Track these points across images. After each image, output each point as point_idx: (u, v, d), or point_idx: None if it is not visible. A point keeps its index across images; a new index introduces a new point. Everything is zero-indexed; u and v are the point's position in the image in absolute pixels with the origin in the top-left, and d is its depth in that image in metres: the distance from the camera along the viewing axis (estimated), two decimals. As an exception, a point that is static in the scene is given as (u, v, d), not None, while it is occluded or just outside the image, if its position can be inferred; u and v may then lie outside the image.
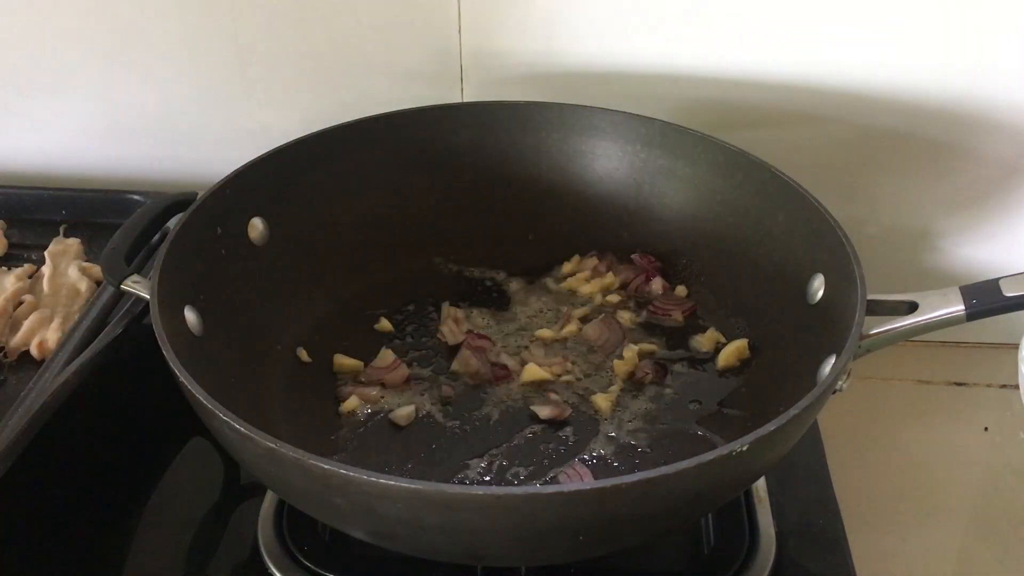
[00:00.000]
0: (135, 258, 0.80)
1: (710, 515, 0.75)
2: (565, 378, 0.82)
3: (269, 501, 0.76)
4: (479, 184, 0.93)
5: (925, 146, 0.92)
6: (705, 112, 0.93)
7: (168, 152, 1.03)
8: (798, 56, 0.89)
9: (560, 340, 0.86)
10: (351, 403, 0.79)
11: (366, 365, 0.83)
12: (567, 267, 0.92)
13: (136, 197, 0.98)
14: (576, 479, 0.72)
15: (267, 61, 0.97)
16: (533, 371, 0.81)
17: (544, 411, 0.78)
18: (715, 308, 0.87)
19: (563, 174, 0.92)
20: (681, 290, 0.89)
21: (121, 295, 0.77)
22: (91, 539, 0.76)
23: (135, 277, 0.75)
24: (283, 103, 0.99)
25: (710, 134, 0.86)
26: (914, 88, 0.89)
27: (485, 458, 0.75)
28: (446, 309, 0.88)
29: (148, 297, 0.70)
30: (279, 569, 0.71)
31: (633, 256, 0.91)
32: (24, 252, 0.95)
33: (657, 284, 0.89)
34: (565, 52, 0.93)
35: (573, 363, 0.83)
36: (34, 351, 0.83)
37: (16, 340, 0.84)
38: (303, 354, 0.84)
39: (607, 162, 0.91)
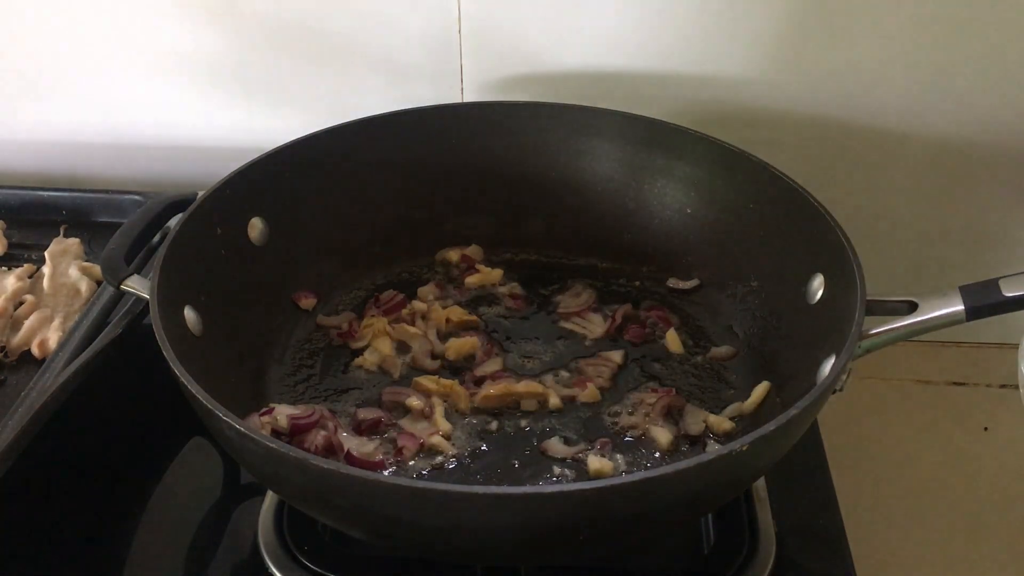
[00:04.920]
0: (135, 258, 0.80)
1: (710, 515, 0.75)
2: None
3: (269, 501, 0.76)
4: (479, 184, 0.93)
5: (925, 146, 0.92)
6: (705, 112, 0.93)
7: (168, 152, 1.03)
8: (798, 56, 0.90)
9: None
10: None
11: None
12: (573, 303, 0.89)
13: (136, 197, 0.98)
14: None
15: (267, 61, 0.97)
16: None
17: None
18: (715, 308, 0.88)
19: (563, 174, 0.92)
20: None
21: (121, 295, 0.77)
22: (91, 539, 0.76)
23: (135, 277, 0.75)
24: (283, 103, 0.99)
25: (710, 134, 0.86)
26: (914, 88, 0.89)
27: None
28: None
29: (148, 297, 0.70)
30: (279, 569, 0.71)
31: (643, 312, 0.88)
32: (24, 252, 0.95)
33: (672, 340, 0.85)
34: (565, 52, 0.93)
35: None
36: (35, 351, 0.83)
37: (17, 340, 0.84)
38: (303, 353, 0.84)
39: (607, 162, 0.91)
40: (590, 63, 0.93)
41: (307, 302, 0.87)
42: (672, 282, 0.90)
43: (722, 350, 0.84)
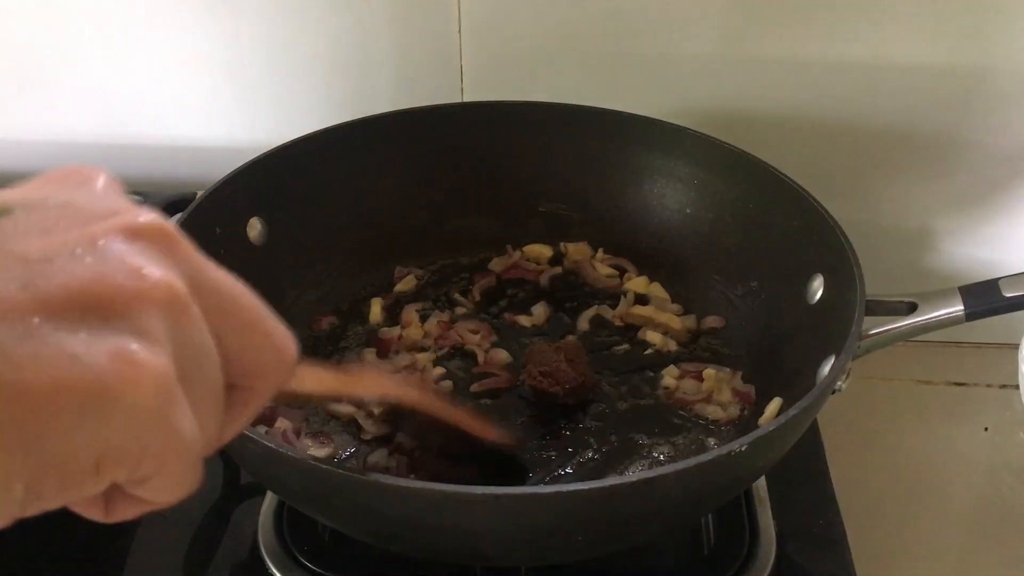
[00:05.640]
0: (134, 258, 0.80)
1: (710, 515, 0.75)
2: None
3: (269, 501, 0.76)
4: (479, 185, 0.93)
5: (925, 146, 0.92)
6: (705, 112, 0.93)
7: (168, 152, 1.03)
8: (798, 55, 0.89)
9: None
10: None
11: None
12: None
13: (136, 197, 0.97)
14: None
15: (267, 61, 0.97)
16: None
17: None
18: (714, 308, 0.87)
19: (563, 174, 0.92)
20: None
21: (121, 295, 0.77)
22: (91, 539, 0.76)
23: (134, 278, 0.75)
24: (283, 103, 0.99)
25: (710, 134, 0.86)
26: (914, 87, 0.89)
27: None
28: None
29: (147, 297, 0.70)
30: (279, 569, 0.71)
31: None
32: (24, 252, 0.95)
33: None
34: (565, 52, 0.93)
35: None
36: (34, 351, 0.83)
37: (16, 340, 0.83)
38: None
39: (606, 162, 0.91)
40: (590, 63, 0.93)
41: (307, 304, 0.87)
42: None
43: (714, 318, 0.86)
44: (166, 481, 0.33)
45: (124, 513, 0.35)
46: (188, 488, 0.34)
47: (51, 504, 0.30)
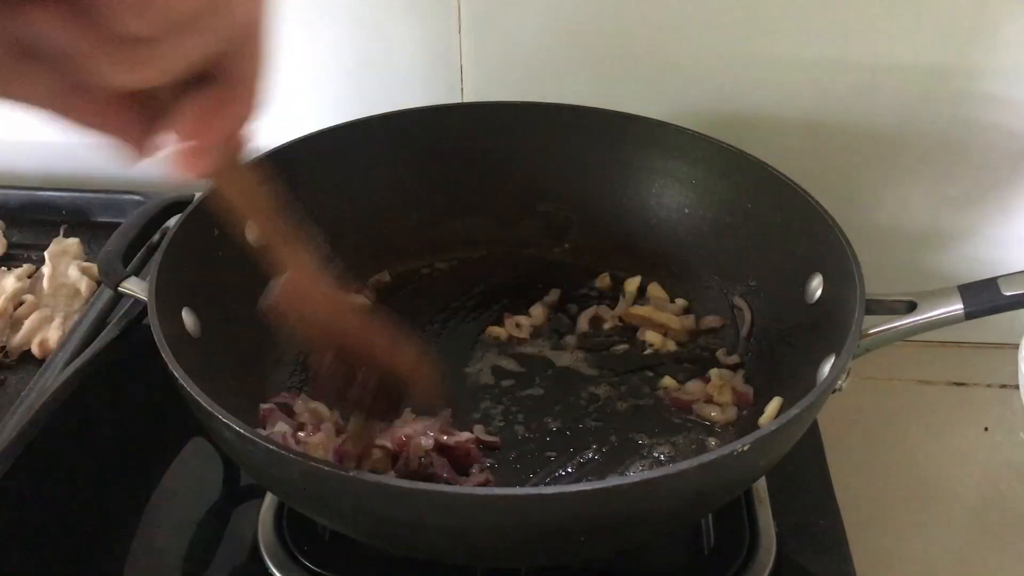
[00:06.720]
0: (133, 258, 0.80)
1: (710, 515, 0.75)
2: None
3: (269, 501, 0.76)
4: (479, 184, 0.93)
5: (925, 146, 0.92)
6: (705, 112, 0.93)
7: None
8: (798, 55, 0.89)
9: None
10: None
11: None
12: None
13: (136, 197, 0.98)
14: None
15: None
16: None
17: None
18: (713, 308, 0.88)
19: (562, 174, 0.92)
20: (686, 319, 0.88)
21: (120, 296, 0.77)
22: (91, 539, 0.76)
23: (133, 279, 0.75)
24: (282, 104, 0.99)
25: (710, 134, 0.86)
26: (914, 88, 0.89)
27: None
28: None
29: (146, 299, 0.70)
30: (279, 569, 0.71)
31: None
32: (24, 252, 0.95)
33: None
34: (565, 52, 0.93)
35: None
36: (35, 350, 0.83)
37: (17, 340, 0.84)
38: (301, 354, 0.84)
39: (606, 162, 0.91)
40: (590, 63, 0.93)
41: None
42: None
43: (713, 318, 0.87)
44: (245, 66, 0.46)
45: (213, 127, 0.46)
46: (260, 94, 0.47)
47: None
